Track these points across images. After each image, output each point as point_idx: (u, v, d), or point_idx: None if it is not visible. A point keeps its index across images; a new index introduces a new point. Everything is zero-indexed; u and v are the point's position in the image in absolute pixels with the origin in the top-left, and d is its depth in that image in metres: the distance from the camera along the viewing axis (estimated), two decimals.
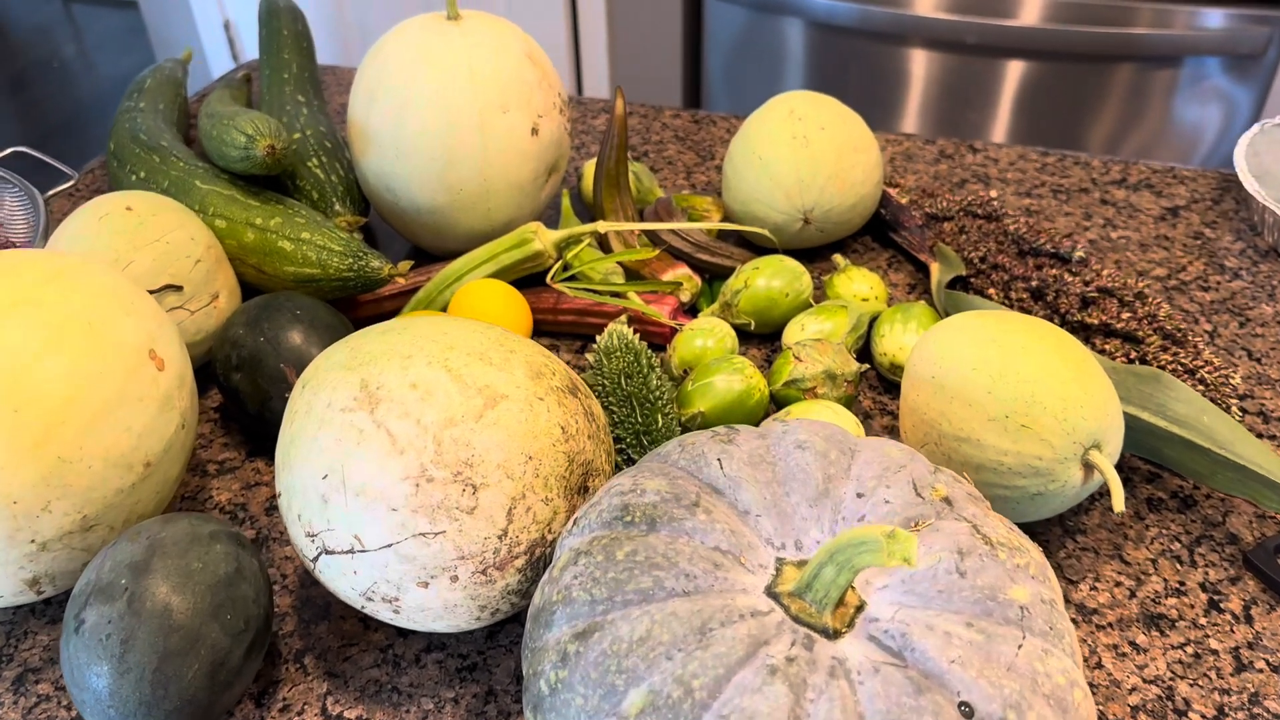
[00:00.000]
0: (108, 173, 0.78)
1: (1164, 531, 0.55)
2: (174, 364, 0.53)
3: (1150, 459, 0.56)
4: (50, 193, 0.70)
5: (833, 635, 0.37)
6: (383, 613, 0.46)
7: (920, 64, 1.49)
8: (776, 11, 1.53)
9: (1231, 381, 0.59)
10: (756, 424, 0.59)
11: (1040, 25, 1.39)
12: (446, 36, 0.68)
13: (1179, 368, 0.58)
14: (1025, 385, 0.49)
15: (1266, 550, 0.53)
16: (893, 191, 0.76)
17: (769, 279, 0.66)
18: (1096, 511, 0.56)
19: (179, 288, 0.62)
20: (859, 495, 0.42)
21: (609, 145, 0.73)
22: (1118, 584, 0.53)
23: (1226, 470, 0.52)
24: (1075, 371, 0.50)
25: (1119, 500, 0.48)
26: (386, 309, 0.70)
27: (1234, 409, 0.57)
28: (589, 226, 0.67)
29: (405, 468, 0.43)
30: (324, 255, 0.65)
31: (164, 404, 0.51)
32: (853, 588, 0.39)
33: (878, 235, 0.78)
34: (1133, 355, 0.59)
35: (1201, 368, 0.58)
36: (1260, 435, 0.60)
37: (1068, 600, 0.52)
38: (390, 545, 0.44)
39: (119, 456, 0.49)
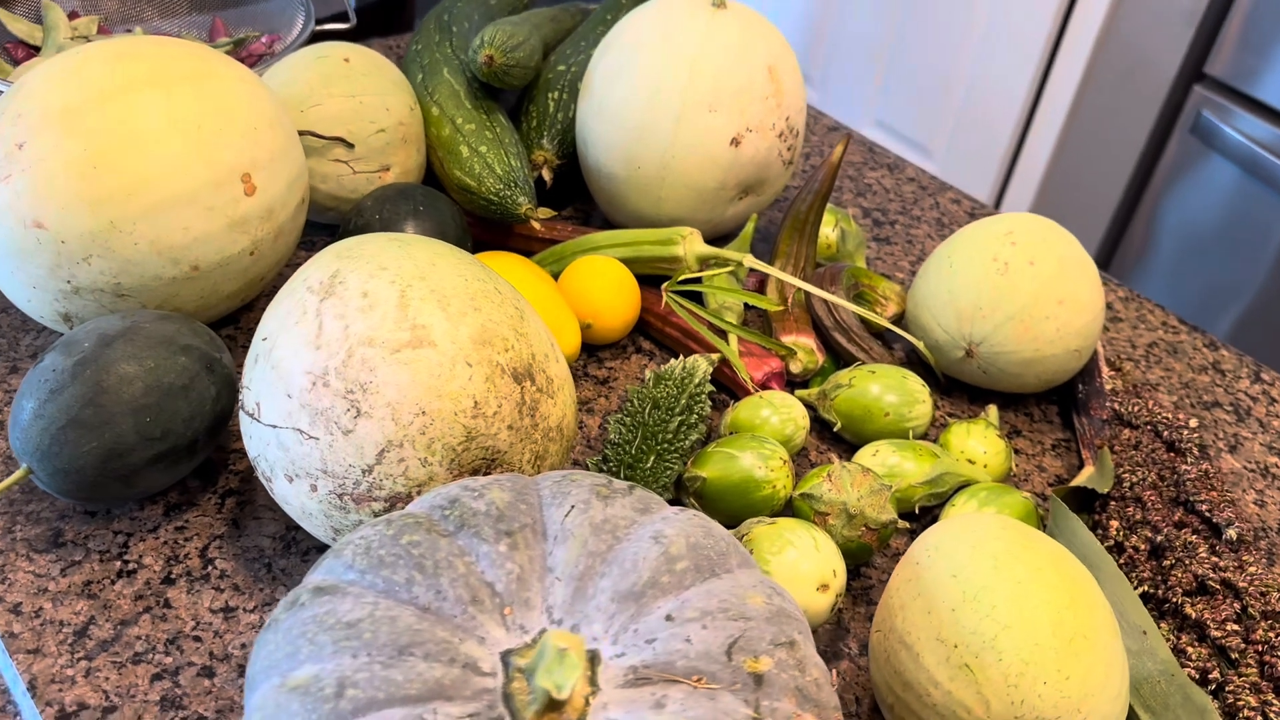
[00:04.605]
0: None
1: None
2: (267, 196, 0.56)
3: None
4: (320, 27, 0.77)
5: None
6: (263, 483, 0.47)
7: None
8: (1271, 183, 1.33)
9: None
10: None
11: None
12: (695, 19, 0.65)
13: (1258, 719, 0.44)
14: (991, 623, 0.40)
15: None
16: (1106, 372, 0.64)
17: (881, 390, 0.59)
18: None
19: (350, 145, 0.66)
20: (668, 618, 0.36)
21: (809, 190, 0.67)
22: None
23: None
24: (1064, 640, 0.39)
25: None
26: (534, 249, 0.71)
27: None
28: (736, 255, 0.63)
29: (313, 363, 0.43)
30: (483, 172, 0.66)
31: (236, 224, 0.55)
32: (588, 700, 0.34)
33: (1065, 411, 0.66)
34: (1211, 674, 0.46)
35: None
36: None
37: None
38: (275, 427, 0.44)
39: (167, 248, 0.53)
